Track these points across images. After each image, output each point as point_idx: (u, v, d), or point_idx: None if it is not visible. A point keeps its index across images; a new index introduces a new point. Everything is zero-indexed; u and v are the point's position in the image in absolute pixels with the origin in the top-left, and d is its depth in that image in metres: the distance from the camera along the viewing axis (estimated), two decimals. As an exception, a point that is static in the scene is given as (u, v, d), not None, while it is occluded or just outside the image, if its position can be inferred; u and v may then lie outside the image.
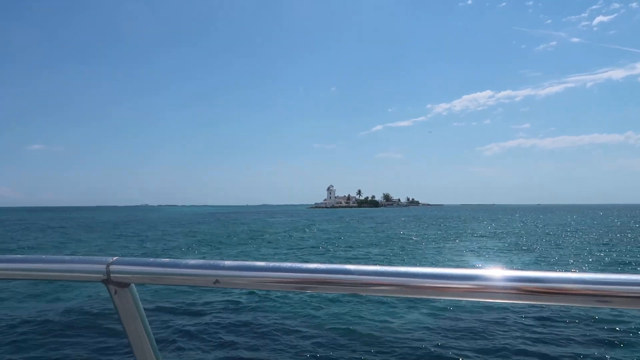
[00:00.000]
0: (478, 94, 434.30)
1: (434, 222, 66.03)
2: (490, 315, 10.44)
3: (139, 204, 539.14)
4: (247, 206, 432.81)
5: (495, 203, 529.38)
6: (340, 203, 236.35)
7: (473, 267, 1.09)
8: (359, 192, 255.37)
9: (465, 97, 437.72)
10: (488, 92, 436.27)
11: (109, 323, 10.03)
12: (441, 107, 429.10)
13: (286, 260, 19.49)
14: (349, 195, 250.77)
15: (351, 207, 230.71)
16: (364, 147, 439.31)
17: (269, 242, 32.19)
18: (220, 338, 9.06)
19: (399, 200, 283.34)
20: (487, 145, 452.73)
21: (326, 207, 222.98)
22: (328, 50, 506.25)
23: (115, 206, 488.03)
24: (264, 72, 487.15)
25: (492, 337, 8.81)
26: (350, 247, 28.52)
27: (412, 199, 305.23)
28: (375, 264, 1.06)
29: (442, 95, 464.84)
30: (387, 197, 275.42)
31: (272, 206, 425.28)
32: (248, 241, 33.25)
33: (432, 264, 19.29)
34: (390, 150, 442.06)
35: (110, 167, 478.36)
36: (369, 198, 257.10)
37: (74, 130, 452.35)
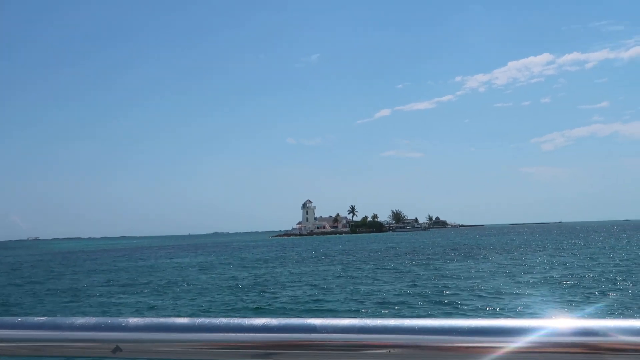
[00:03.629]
0: (531, 59, 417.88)
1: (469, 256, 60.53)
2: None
3: (24, 238, 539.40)
4: (189, 236, 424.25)
5: (563, 220, 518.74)
6: (324, 227, 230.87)
7: (509, 316, 0.71)
8: (352, 210, 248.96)
9: (512, 64, 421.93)
10: (546, 57, 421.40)
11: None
12: (477, 80, 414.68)
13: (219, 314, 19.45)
14: (337, 215, 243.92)
15: (340, 232, 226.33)
16: (363, 141, 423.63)
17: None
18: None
19: (415, 220, 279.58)
20: (546, 135, 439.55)
21: (300, 235, 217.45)
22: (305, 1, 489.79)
23: None
24: (199, 27, 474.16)
25: None
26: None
27: (436, 218, 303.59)
28: (362, 317, 1.04)
29: (477, 62, 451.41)
30: (397, 217, 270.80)
31: (223, 235, 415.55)
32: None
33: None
34: (402, 146, 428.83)
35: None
36: (369, 218, 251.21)
37: None
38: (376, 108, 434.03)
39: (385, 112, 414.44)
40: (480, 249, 78.41)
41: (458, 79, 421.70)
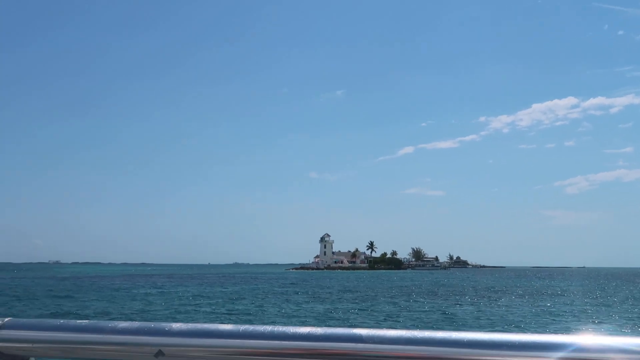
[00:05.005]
0: (556, 102, 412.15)
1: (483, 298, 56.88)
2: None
3: (45, 261, 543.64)
4: (209, 265, 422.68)
5: (586, 265, 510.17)
6: (342, 262, 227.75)
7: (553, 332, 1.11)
8: (371, 246, 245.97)
9: (536, 106, 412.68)
10: (571, 100, 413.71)
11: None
12: (501, 121, 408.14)
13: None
14: (355, 250, 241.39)
15: (358, 268, 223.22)
16: (384, 178, 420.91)
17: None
18: None
19: (435, 258, 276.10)
20: (569, 178, 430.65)
21: (317, 269, 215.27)
22: (331, 36, 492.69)
23: (10, 263, 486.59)
24: (239, 62, 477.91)
25: None
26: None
27: (457, 258, 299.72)
28: (399, 329, 1.05)
29: (502, 104, 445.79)
30: (417, 254, 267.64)
31: (243, 265, 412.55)
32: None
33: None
34: (424, 184, 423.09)
35: (5, 209, 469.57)
36: (388, 255, 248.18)
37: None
38: (399, 145, 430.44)
39: (409, 149, 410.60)
40: (492, 290, 75.83)
41: (482, 119, 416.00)
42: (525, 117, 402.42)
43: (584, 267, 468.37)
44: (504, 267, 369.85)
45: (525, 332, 1.09)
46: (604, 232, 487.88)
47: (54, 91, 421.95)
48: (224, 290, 73.57)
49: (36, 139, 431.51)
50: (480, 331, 1.04)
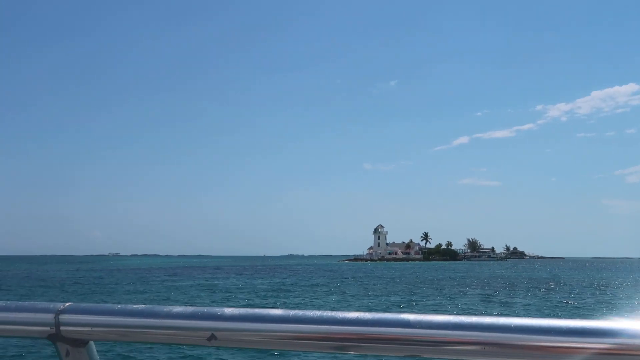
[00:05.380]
0: (616, 89, 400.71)
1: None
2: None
3: (105, 253, 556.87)
4: (264, 257, 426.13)
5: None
6: (396, 253, 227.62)
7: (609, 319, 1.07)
8: (426, 237, 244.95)
9: (595, 93, 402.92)
10: (632, 87, 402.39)
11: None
12: (559, 109, 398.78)
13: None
14: (410, 241, 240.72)
15: (412, 259, 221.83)
16: (439, 168, 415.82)
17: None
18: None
19: (492, 249, 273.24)
20: (630, 167, 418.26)
21: (371, 260, 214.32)
22: (384, 26, 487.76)
23: (71, 255, 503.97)
24: (292, 52, 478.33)
25: None
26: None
27: (514, 249, 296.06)
28: (448, 314, 1.06)
29: (560, 92, 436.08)
30: (473, 245, 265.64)
31: (298, 257, 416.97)
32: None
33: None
34: (479, 174, 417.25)
35: (66, 202, 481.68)
36: (443, 246, 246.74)
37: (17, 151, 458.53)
38: (454, 135, 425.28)
39: (464, 139, 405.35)
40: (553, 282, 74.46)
41: (539, 107, 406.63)
42: (584, 104, 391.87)
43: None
44: (563, 257, 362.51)
45: (573, 318, 1.08)
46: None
47: (109, 80, 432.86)
48: (274, 281, 73.49)
49: (89, 128, 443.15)
50: (528, 317, 1.05)
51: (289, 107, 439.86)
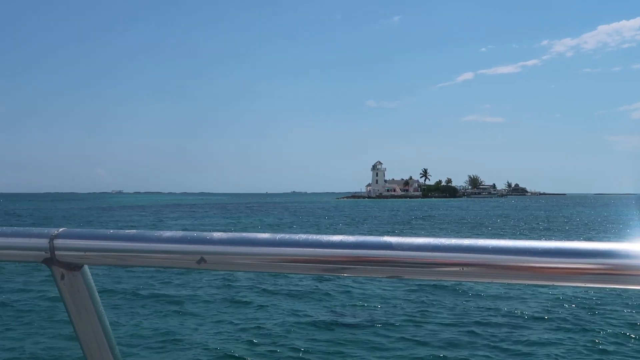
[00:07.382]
0: (623, 24, 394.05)
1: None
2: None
3: (108, 191, 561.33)
4: (266, 194, 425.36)
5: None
6: (394, 190, 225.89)
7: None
8: (425, 174, 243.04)
9: (602, 27, 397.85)
10: (639, 20, 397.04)
11: (56, 314, 12.49)
12: (564, 45, 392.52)
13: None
14: (410, 177, 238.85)
15: (411, 196, 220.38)
16: (443, 105, 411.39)
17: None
18: (204, 342, 11.40)
19: (493, 186, 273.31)
20: (636, 102, 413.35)
21: (368, 197, 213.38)
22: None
23: (74, 192, 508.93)
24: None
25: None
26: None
27: (515, 185, 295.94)
28: (431, 237, 1.08)
29: (565, 26, 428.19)
30: (474, 182, 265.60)
31: (301, 194, 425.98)
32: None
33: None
34: (483, 110, 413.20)
35: (69, 139, 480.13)
36: (443, 183, 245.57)
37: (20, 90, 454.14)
38: (458, 71, 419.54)
39: (468, 75, 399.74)
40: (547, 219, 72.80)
41: (544, 42, 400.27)
42: (590, 39, 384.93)
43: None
44: (565, 194, 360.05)
45: (549, 240, 1.06)
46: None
47: (110, 11, 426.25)
48: (263, 219, 72.56)
49: (91, 61, 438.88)
50: (505, 239, 1.05)
51: (289, 46, 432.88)
